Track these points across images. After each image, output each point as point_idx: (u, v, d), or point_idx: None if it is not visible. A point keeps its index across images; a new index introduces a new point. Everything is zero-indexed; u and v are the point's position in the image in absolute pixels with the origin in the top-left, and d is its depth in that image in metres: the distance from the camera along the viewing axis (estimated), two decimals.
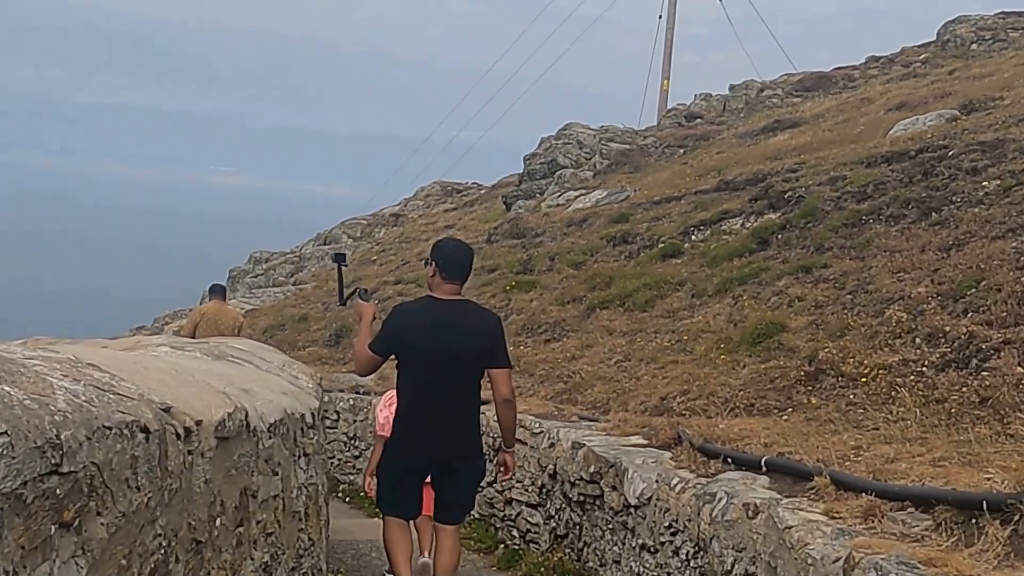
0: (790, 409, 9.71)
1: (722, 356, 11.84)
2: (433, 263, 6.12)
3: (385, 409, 7.81)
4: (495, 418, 6.80)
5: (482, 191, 42.13)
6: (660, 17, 44.84)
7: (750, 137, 27.16)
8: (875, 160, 16.30)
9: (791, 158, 19.54)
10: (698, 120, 32.57)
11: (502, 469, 6.76)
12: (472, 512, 8.49)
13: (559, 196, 28.73)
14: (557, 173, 31.82)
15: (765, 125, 28.19)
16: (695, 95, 35.12)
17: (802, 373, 10.28)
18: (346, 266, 7.67)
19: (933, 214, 13.21)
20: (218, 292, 14.48)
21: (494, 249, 22.93)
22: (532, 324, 17.12)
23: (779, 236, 15.38)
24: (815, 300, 12.38)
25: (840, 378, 9.88)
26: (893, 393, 9.08)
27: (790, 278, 13.50)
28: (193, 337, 12.63)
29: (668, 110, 35.47)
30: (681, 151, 30.09)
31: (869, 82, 31.31)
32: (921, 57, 32.20)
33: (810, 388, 10.00)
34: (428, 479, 6.50)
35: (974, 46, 30.78)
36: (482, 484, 7.60)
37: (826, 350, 10.46)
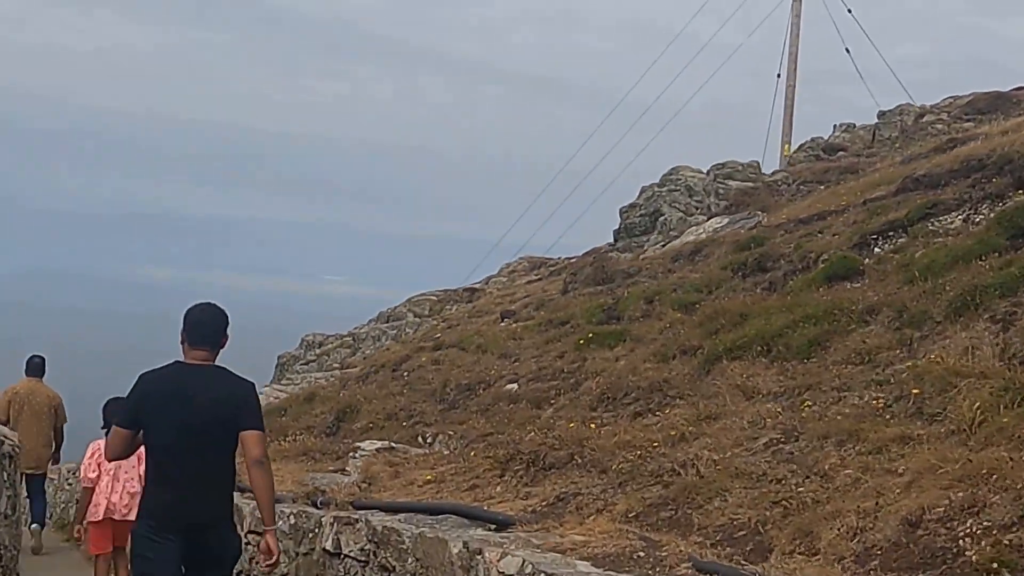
0: None
1: None
2: (181, 328, 5.76)
3: (90, 460, 8.45)
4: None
5: (572, 259, 35.42)
6: (778, 76, 38.29)
7: (919, 161, 20.04)
8: None
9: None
10: (840, 153, 25.71)
11: (263, 556, 5.74)
12: None
13: (663, 246, 22.04)
14: (660, 220, 25.26)
15: (936, 146, 21.11)
16: (834, 126, 28.34)
17: None
18: None
19: None
20: (35, 368, 12.21)
21: (568, 300, 16.30)
22: (614, 392, 10.45)
23: None
24: None
25: None
26: None
27: None
28: (7, 418, 11.46)
29: (801, 144, 28.68)
30: (821, 187, 23.16)
31: None
32: None
33: None
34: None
35: None
36: None
37: None
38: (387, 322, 34.81)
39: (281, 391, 28.01)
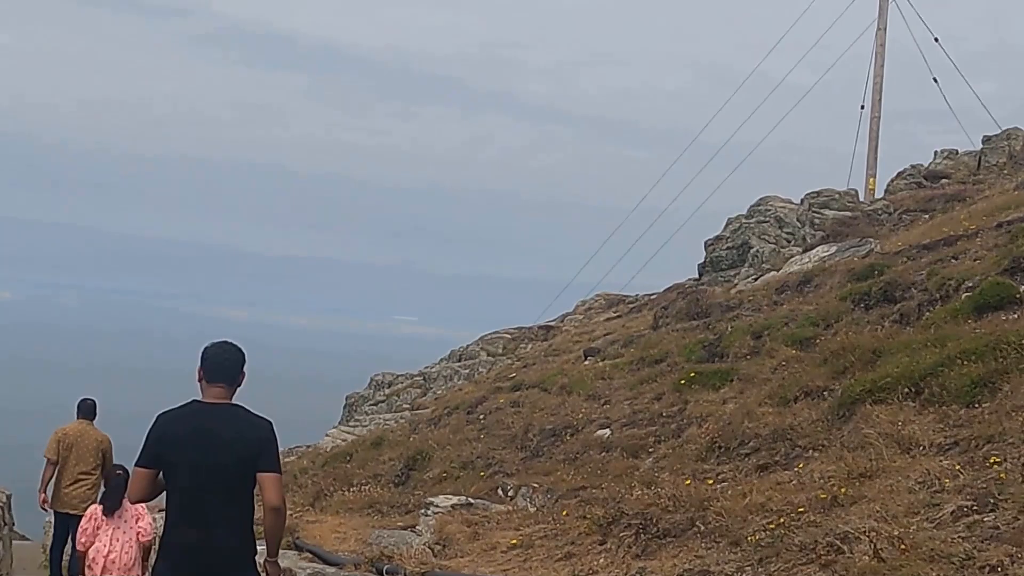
0: None
1: None
2: (199, 366, 5.71)
3: (87, 524, 8.50)
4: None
5: (652, 296, 33.80)
6: (862, 108, 36.51)
7: None
8: None
9: None
10: (943, 180, 23.98)
11: None
12: None
13: (755, 279, 20.49)
14: (752, 252, 23.68)
15: None
16: (935, 152, 26.61)
17: None
18: None
19: None
20: (85, 410, 11.85)
21: (660, 335, 14.84)
22: (727, 439, 9.00)
23: None
24: None
25: None
26: None
27: None
28: (56, 459, 11.37)
29: (899, 172, 26.94)
30: (926, 215, 21.49)
31: None
32: None
33: None
34: None
35: None
36: None
37: None
38: (459, 361, 33.50)
39: (349, 433, 26.76)
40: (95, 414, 12.11)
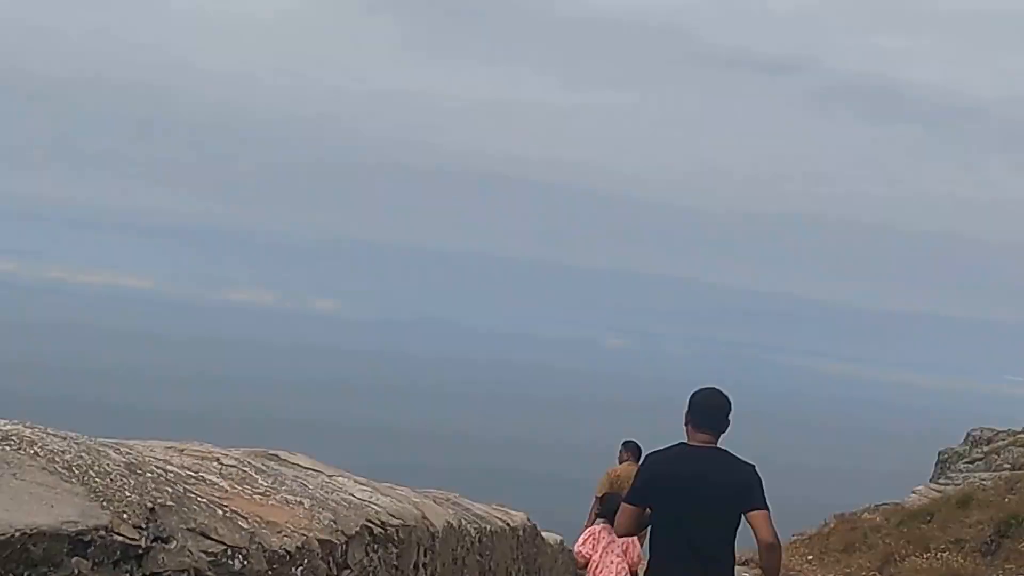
0: None
1: None
2: (686, 411, 6.11)
3: (584, 542, 9.39)
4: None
5: None
6: None
7: None
8: None
9: None
10: None
11: None
12: None
13: None
14: None
15: None
16: None
17: None
18: None
19: None
20: (632, 450, 12.81)
21: None
22: None
23: None
24: None
25: None
26: None
27: None
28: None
29: None
30: None
31: None
32: None
33: None
34: None
35: None
36: None
37: None
38: None
39: (937, 491, 24.73)
40: (640, 454, 12.45)
